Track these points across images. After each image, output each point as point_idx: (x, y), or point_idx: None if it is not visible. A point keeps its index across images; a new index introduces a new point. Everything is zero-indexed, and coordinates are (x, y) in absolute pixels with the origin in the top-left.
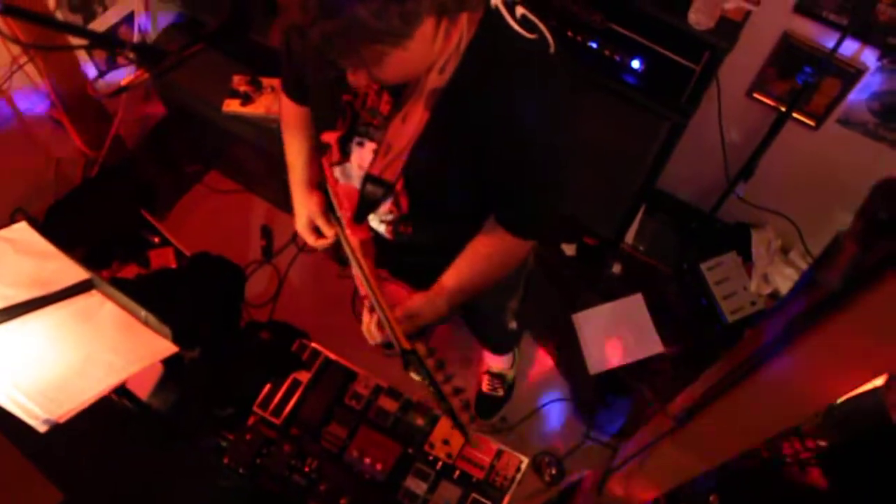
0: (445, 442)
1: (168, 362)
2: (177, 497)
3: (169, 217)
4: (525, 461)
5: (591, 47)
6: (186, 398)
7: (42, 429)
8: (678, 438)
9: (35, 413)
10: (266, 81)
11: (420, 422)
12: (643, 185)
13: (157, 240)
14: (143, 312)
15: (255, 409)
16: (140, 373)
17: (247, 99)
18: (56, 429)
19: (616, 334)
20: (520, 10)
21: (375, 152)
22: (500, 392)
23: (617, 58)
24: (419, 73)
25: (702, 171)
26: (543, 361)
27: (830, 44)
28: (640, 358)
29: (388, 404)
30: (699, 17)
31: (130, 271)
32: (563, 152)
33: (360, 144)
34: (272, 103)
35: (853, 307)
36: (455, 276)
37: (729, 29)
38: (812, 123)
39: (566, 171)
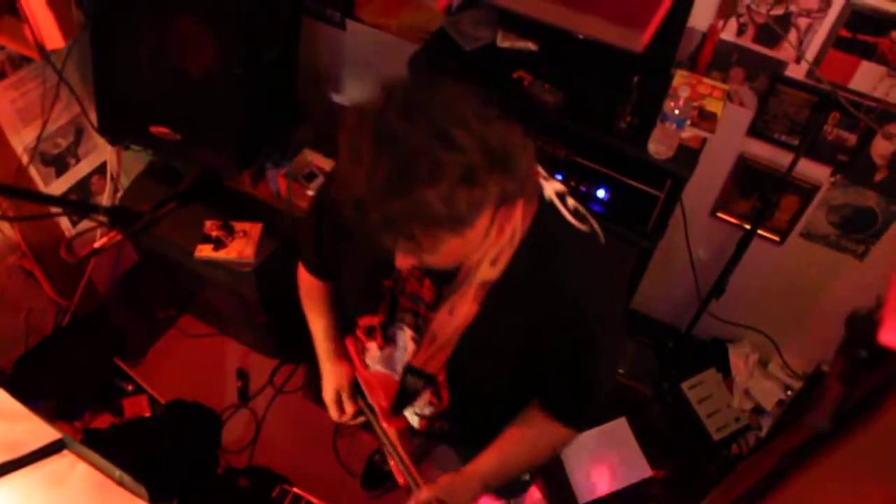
0: None
1: None
2: None
3: (142, 363)
4: None
5: (556, 179)
6: None
7: None
8: None
9: None
10: (238, 226)
11: None
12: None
13: (130, 387)
14: (117, 472)
15: None
16: None
17: (219, 244)
18: None
19: (603, 460)
20: (571, 202)
21: (415, 341)
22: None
23: (583, 188)
24: (468, 261)
25: (674, 291)
26: (532, 495)
27: (786, 162)
28: (629, 483)
29: None
30: (658, 148)
31: (104, 421)
32: (616, 341)
33: (402, 330)
34: (244, 247)
35: (844, 446)
36: (496, 457)
37: (688, 156)
38: (777, 238)
39: (617, 358)
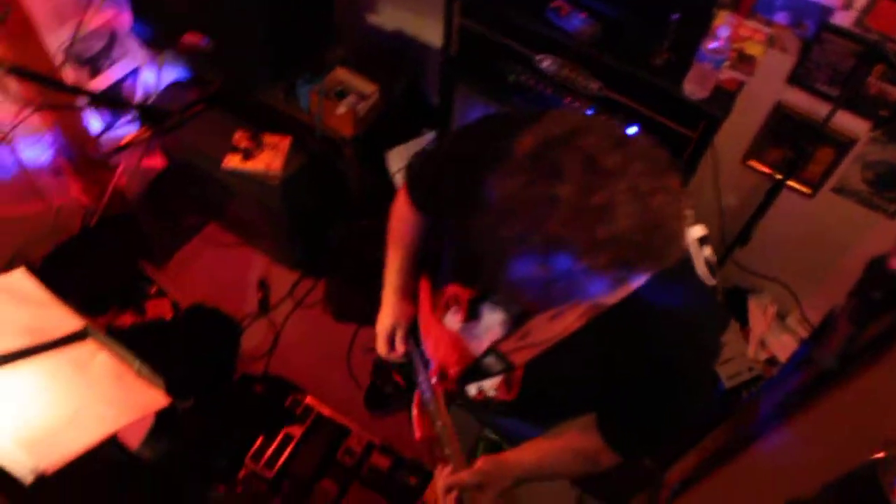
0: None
1: (160, 412)
2: None
3: (166, 268)
4: None
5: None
6: (178, 449)
7: (28, 479)
8: None
9: (22, 462)
10: (267, 138)
11: (413, 480)
12: None
13: (153, 290)
14: (136, 363)
15: (246, 461)
16: (132, 428)
17: (247, 155)
18: (43, 480)
19: None
20: (707, 251)
21: (505, 326)
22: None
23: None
24: None
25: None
26: None
27: (824, 113)
28: None
29: (381, 462)
30: (693, 88)
31: (126, 320)
32: (696, 400)
33: (493, 310)
34: (272, 160)
35: (849, 385)
36: (537, 457)
37: (723, 98)
38: (808, 191)
39: (689, 413)
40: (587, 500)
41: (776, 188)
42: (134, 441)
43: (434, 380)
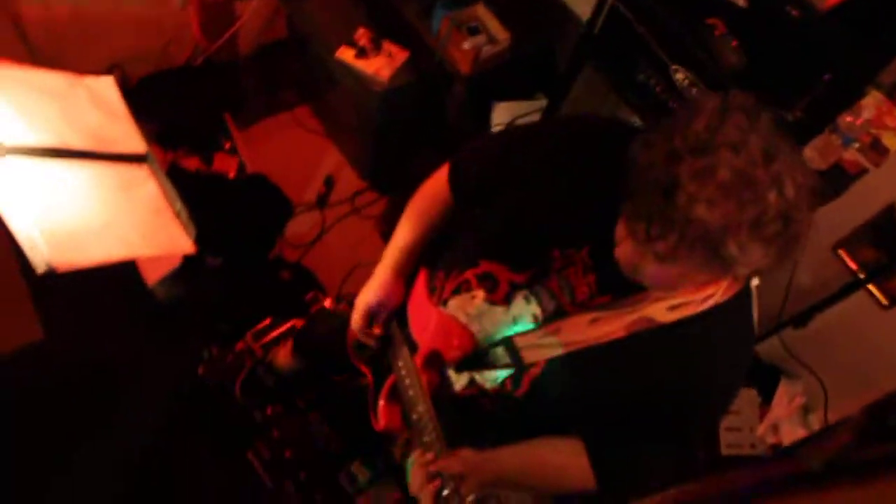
0: (407, 442)
1: (188, 260)
2: (144, 376)
3: (247, 131)
4: (472, 497)
5: None
6: (190, 299)
7: (40, 270)
8: None
9: (40, 253)
10: (386, 45)
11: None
12: None
13: (227, 146)
14: (178, 204)
15: (247, 335)
16: (157, 259)
17: (362, 53)
18: (52, 275)
19: None
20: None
21: (535, 321)
22: None
23: None
24: (656, 291)
25: (759, 302)
26: None
27: None
28: None
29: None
30: (814, 156)
31: (190, 164)
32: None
33: (528, 301)
34: (383, 66)
35: (822, 494)
36: (519, 462)
37: (839, 178)
38: (885, 302)
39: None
40: None
41: (854, 286)
42: (152, 276)
43: (420, 363)
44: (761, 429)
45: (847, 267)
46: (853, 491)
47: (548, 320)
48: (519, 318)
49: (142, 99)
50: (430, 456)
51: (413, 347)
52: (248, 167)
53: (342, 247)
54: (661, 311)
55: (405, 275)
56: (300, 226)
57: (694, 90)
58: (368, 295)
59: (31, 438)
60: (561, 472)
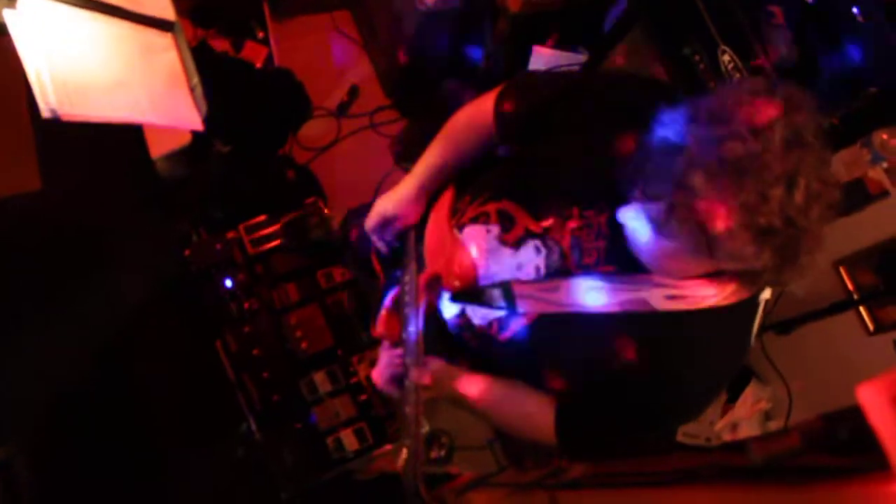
0: (372, 362)
1: (197, 141)
2: (130, 245)
3: (283, 23)
4: (425, 429)
5: None
6: (191, 180)
7: (45, 115)
8: (541, 499)
9: (48, 97)
10: None
11: (363, 335)
12: None
13: (260, 35)
14: (195, 79)
15: (239, 227)
16: (166, 132)
17: None
18: (59, 125)
19: None
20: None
21: (538, 273)
22: None
23: None
24: (659, 269)
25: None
26: None
27: None
28: None
29: (347, 303)
30: (839, 166)
31: (220, 45)
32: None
33: (537, 251)
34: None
35: (756, 490)
36: (487, 393)
37: (858, 195)
38: (871, 328)
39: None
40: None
41: (846, 305)
42: (157, 149)
43: (423, 283)
44: (720, 424)
45: (843, 285)
46: (784, 493)
47: (550, 276)
48: (523, 266)
49: None
50: (400, 351)
51: (421, 265)
52: (277, 60)
53: (352, 159)
54: (658, 297)
55: (430, 193)
56: (315, 129)
57: (737, 76)
58: (387, 204)
59: (6, 286)
60: (524, 417)
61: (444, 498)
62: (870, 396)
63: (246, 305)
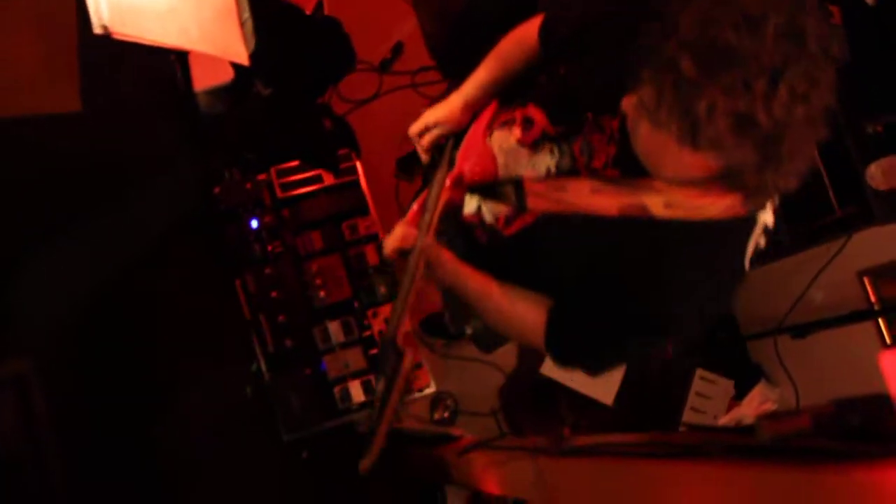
0: (387, 321)
1: (239, 81)
2: (161, 174)
3: None
4: (432, 389)
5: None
6: (230, 117)
7: (96, 30)
8: (544, 463)
9: (102, 14)
10: None
11: (383, 290)
12: None
13: None
14: (246, 14)
15: (271, 169)
16: (209, 67)
17: None
18: (105, 45)
19: None
20: (763, 242)
21: (547, 173)
22: (452, 329)
23: None
24: (653, 165)
25: (765, 300)
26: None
27: None
28: (588, 395)
29: (372, 257)
30: (877, 174)
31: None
32: (662, 341)
33: (552, 154)
34: None
35: (769, 467)
36: (479, 284)
37: (894, 205)
38: (889, 341)
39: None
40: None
41: (865, 315)
42: (200, 82)
43: (449, 182)
44: (723, 419)
45: (865, 295)
46: (791, 472)
47: (556, 174)
48: (537, 166)
49: None
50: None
51: (451, 165)
52: (326, 9)
53: (389, 115)
54: (657, 203)
55: (475, 108)
56: (356, 82)
57: None
58: (435, 113)
59: (34, 203)
60: (515, 315)
61: (446, 457)
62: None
63: (269, 248)
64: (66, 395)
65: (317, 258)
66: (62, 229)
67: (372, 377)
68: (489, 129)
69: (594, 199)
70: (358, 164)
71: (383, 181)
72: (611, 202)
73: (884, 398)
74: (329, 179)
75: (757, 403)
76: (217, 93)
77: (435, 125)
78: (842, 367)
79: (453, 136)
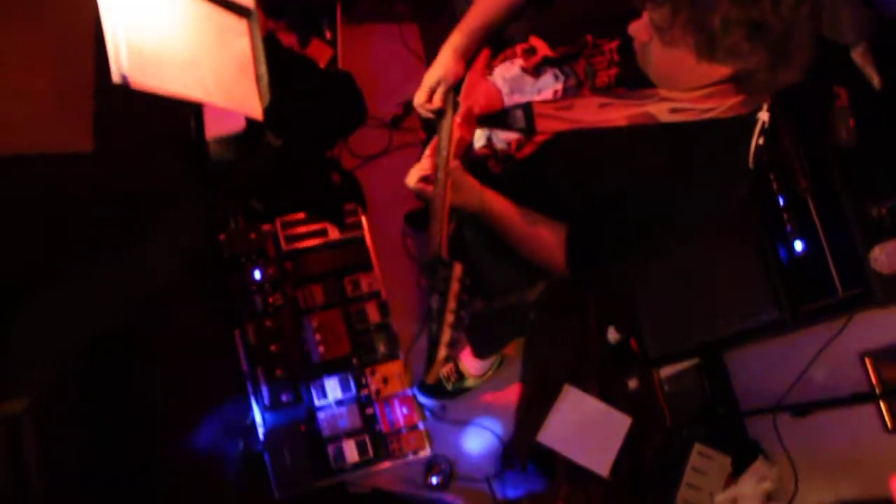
0: (385, 380)
1: (251, 130)
2: (169, 218)
3: (351, 28)
4: (427, 452)
5: (777, 200)
6: (239, 166)
7: (115, 79)
8: None
9: (121, 62)
10: None
11: (382, 348)
12: (710, 344)
13: (328, 35)
14: (263, 69)
15: (277, 221)
16: (222, 116)
17: None
18: (124, 88)
19: (584, 430)
20: (761, 139)
21: (556, 96)
22: (450, 386)
23: (788, 227)
24: (662, 88)
25: (767, 375)
26: (510, 394)
27: None
28: (583, 465)
29: (373, 314)
30: (880, 257)
31: (288, 39)
32: (674, 242)
33: (556, 78)
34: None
35: None
36: (504, 211)
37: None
38: (890, 426)
39: (662, 257)
40: None
41: (867, 398)
42: (212, 130)
43: (458, 120)
44: (720, 498)
45: (867, 377)
46: None
47: (564, 96)
48: (542, 91)
49: None
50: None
51: (456, 108)
52: (340, 63)
53: (398, 172)
54: (663, 111)
55: (467, 56)
56: (366, 138)
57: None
58: (433, 73)
59: (40, 241)
60: (537, 237)
61: None
62: None
63: (271, 300)
64: (59, 439)
65: (317, 312)
66: (65, 268)
67: (367, 437)
68: (487, 68)
69: (602, 112)
70: (364, 220)
71: (388, 238)
72: (619, 114)
73: None
74: (334, 233)
75: (755, 482)
76: (228, 141)
77: (438, 83)
78: (842, 449)
79: (450, 93)
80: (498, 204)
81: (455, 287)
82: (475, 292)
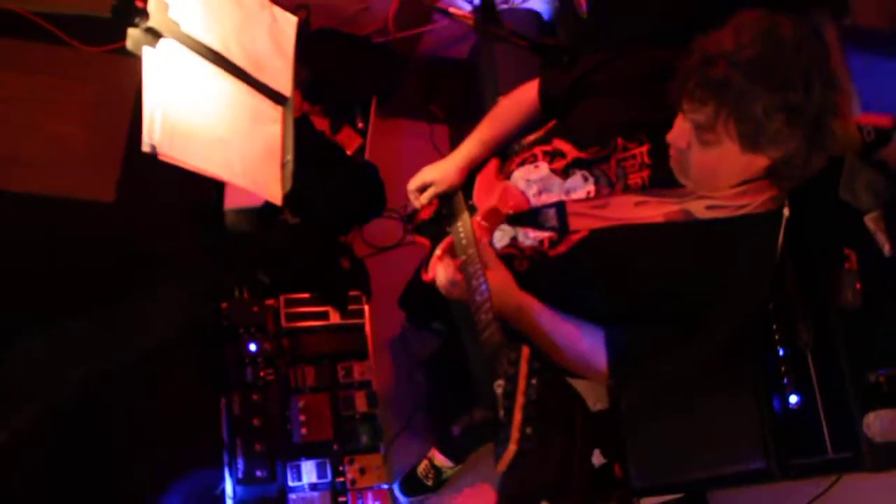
0: (362, 471)
1: (269, 206)
2: (175, 281)
3: (383, 121)
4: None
5: (777, 350)
6: (252, 239)
7: (145, 149)
8: None
9: (154, 134)
10: None
11: (365, 438)
12: (695, 483)
13: (360, 125)
14: (289, 156)
15: (281, 297)
16: (243, 188)
17: None
18: (152, 157)
19: None
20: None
21: (587, 195)
22: (430, 482)
23: (786, 379)
24: (701, 184)
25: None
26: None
27: None
28: None
29: (360, 403)
30: (874, 424)
31: (320, 123)
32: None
33: (585, 180)
34: None
35: None
36: (544, 313)
37: (890, 458)
38: None
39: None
40: None
41: None
42: (231, 202)
43: (479, 219)
44: None
45: None
46: None
47: (597, 195)
48: (572, 192)
49: (311, 45)
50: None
51: (473, 213)
52: (367, 153)
53: (406, 268)
54: (700, 208)
55: (472, 167)
56: (380, 229)
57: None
58: (431, 172)
59: (45, 284)
60: (576, 340)
61: None
62: None
63: (262, 374)
64: (28, 480)
65: (306, 394)
66: (64, 312)
67: None
68: (503, 174)
69: (638, 210)
70: (366, 308)
71: (387, 330)
72: (656, 211)
73: None
74: (335, 318)
75: None
76: (246, 213)
77: (431, 183)
78: None
79: (459, 189)
80: (536, 306)
81: (524, 368)
82: (543, 373)
